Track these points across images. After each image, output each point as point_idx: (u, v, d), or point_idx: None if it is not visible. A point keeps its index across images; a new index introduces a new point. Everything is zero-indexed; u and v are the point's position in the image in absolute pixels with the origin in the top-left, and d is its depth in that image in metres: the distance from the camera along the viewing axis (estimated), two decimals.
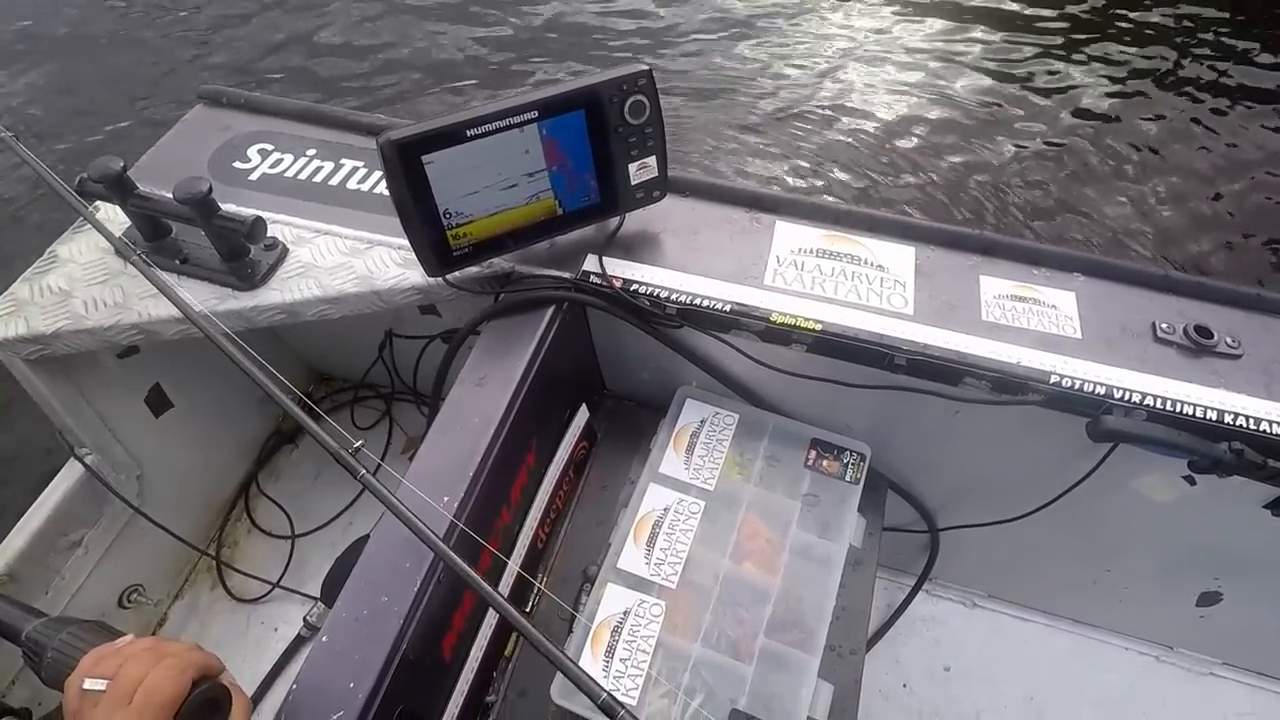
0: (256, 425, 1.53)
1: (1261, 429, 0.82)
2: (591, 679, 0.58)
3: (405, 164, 0.81)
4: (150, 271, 0.82)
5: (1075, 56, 3.12)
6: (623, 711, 0.58)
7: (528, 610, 0.99)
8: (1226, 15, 3.25)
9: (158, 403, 1.24)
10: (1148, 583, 1.21)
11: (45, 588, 1.11)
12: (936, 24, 3.33)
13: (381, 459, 1.51)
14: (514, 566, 0.94)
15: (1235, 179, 2.68)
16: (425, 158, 0.81)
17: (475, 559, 0.81)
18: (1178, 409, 0.84)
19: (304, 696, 0.68)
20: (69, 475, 1.12)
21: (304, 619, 1.30)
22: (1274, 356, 0.89)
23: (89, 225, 1.04)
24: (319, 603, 1.31)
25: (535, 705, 0.91)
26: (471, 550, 0.78)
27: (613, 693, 0.82)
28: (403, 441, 1.55)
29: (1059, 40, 3.19)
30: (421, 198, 0.84)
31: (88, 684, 0.57)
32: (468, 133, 0.82)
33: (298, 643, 1.29)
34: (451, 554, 0.64)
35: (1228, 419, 0.83)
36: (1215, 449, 0.82)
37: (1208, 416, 0.83)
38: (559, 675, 0.85)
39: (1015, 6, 3.37)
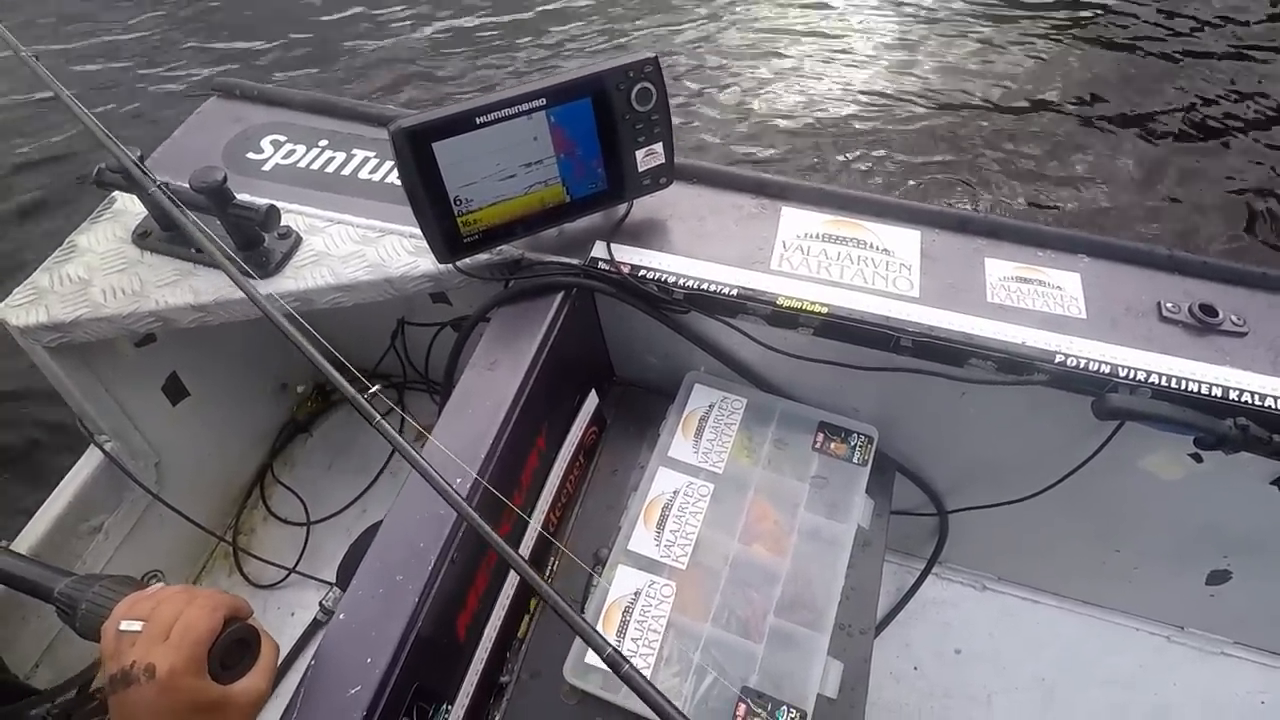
0: (271, 414, 1.55)
1: (1267, 404, 0.83)
2: (600, 633, 0.59)
3: (416, 151, 0.82)
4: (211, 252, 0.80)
5: None
6: (627, 666, 0.59)
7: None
8: None
9: (175, 391, 1.26)
10: (1157, 562, 1.21)
11: None
12: None
13: (391, 452, 1.53)
14: (534, 528, 0.94)
15: None
16: (435, 145, 0.83)
17: (495, 527, 0.82)
18: (1183, 386, 0.84)
19: (322, 672, 0.70)
20: (89, 462, 1.14)
21: (320, 604, 1.33)
22: (1279, 333, 0.89)
23: (106, 215, 1.06)
24: (334, 588, 1.33)
25: (548, 685, 0.92)
26: (492, 517, 0.79)
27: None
28: (414, 431, 1.57)
29: None
30: (432, 185, 0.85)
31: (124, 625, 0.60)
32: (477, 120, 0.83)
33: (314, 627, 1.31)
34: (474, 514, 0.64)
35: (1233, 395, 0.83)
36: (1221, 425, 0.82)
37: (1213, 393, 0.84)
38: (571, 654, 0.87)
39: None
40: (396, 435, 0.68)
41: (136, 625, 0.59)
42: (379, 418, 0.68)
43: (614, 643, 0.85)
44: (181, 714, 0.58)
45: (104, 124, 0.86)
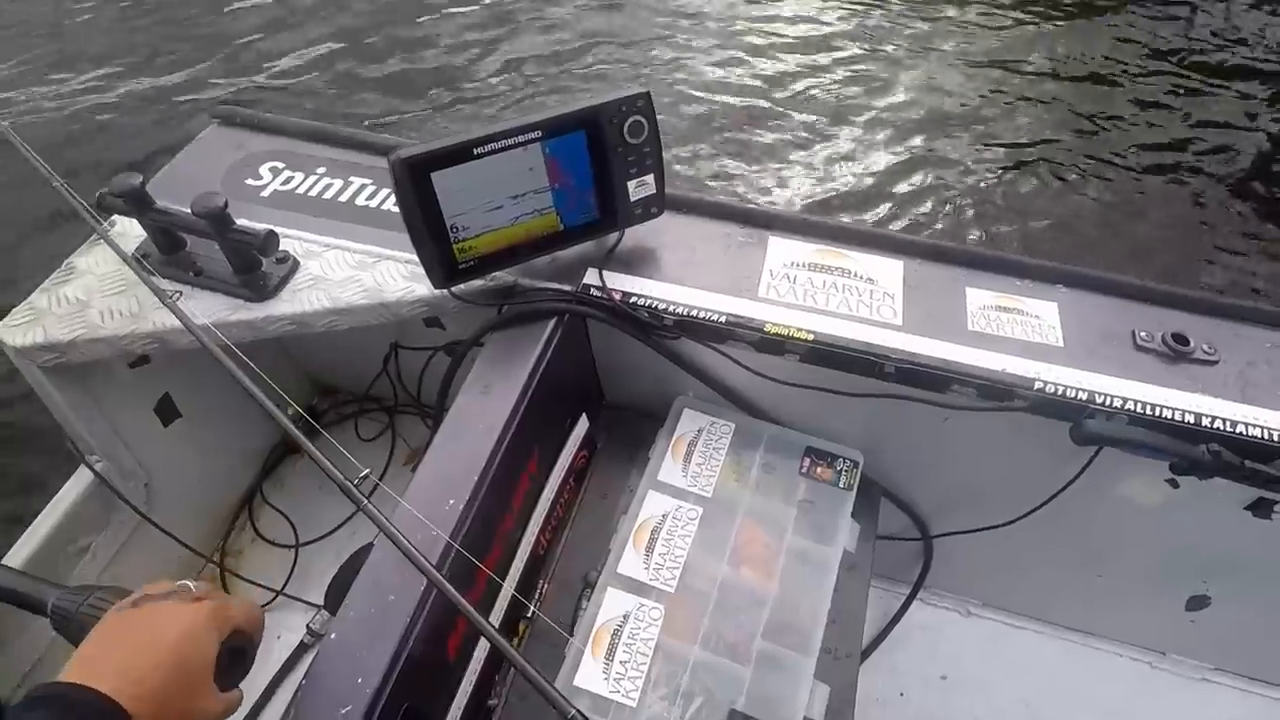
0: (262, 436, 1.55)
1: (1238, 431, 0.85)
2: (562, 695, 0.59)
3: (415, 181, 0.84)
4: (156, 284, 0.83)
5: None
6: None
7: (529, 617, 1.01)
8: None
9: (167, 412, 1.26)
10: (1138, 588, 1.23)
11: None
12: None
13: (384, 472, 1.53)
14: (509, 588, 0.95)
15: None
16: (434, 175, 0.85)
17: (475, 571, 0.83)
18: (1157, 413, 0.87)
19: (313, 691, 0.70)
20: (79, 482, 1.14)
21: (307, 626, 1.32)
22: (1249, 361, 0.92)
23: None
24: (322, 610, 1.33)
25: (536, 709, 0.93)
26: (471, 563, 0.80)
27: (611, 695, 0.85)
28: (405, 454, 1.58)
29: None
30: (430, 213, 0.87)
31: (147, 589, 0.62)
32: (474, 151, 0.86)
33: (301, 650, 1.31)
34: (441, 579, 0.65)
35: (1205, 422, 0.86)
36: (1194, 451, 0.85)
37: (1186, 420, 0.86)
38: (560, 677, 0.88)
39: None
40: (366, 499, 0.68)
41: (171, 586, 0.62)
42: (341, 477, 0.68)
43: (602, 665, 0.87)
44: (196, 649, 0.58)
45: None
